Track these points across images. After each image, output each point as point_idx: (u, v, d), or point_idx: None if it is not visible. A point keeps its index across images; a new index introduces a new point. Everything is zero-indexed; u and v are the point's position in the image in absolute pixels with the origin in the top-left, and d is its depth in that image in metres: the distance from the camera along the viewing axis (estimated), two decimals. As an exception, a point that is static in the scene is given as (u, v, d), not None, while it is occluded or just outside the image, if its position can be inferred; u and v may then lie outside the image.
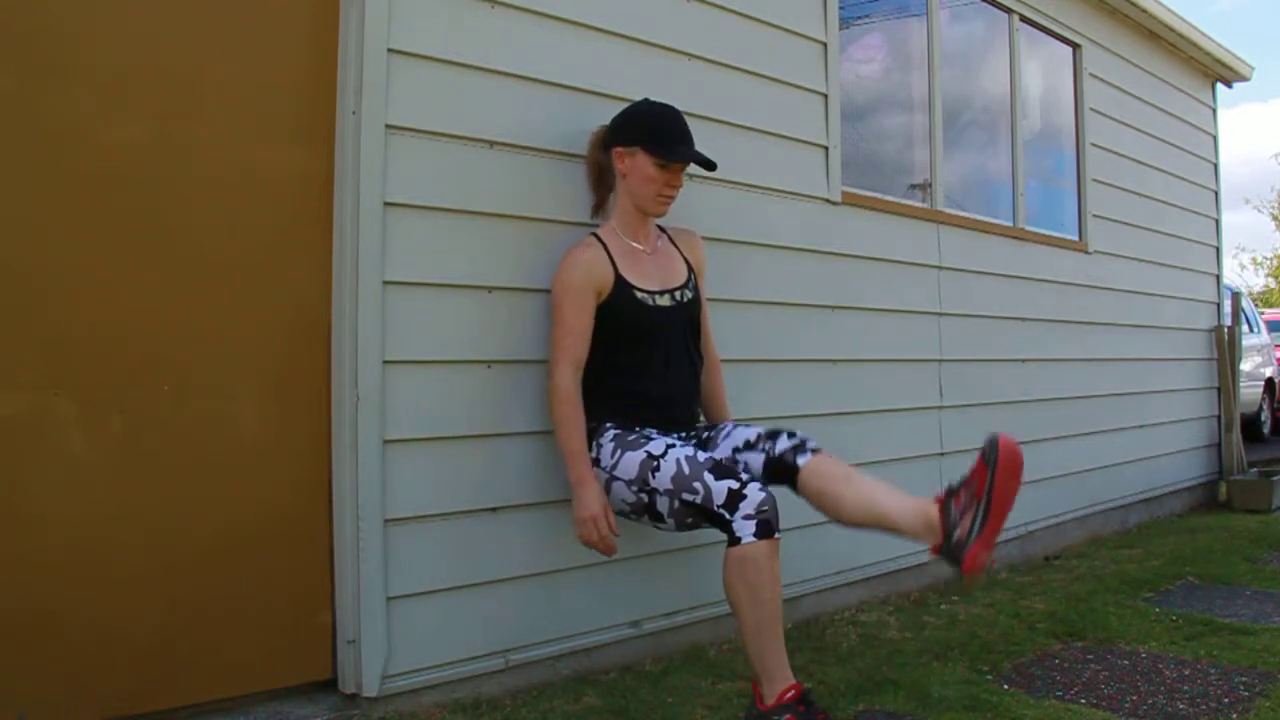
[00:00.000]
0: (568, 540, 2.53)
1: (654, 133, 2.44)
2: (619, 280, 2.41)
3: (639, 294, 2.42)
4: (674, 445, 2.29)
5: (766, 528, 2.10)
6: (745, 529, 2.10)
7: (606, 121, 2.53)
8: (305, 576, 2.23)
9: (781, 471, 2.33)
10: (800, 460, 2.31)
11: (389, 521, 2.23)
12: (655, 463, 2.26)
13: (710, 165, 2.49)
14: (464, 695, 2.34)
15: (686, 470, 2.21)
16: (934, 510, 2.08)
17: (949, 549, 1.98)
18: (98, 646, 1.97)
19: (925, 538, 2.10)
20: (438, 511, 2.31)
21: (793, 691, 2.11)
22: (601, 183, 2.55)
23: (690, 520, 2.24)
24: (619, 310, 2.41)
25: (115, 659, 1.99)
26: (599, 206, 2.58)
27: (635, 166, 2.45)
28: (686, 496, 2.20)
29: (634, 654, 2.69)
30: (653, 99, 2.52)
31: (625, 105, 2.55)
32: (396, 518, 2.24)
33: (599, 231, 2.49)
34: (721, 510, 2.14)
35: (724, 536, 2.16)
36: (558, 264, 2.42)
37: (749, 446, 2.39)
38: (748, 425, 2.45)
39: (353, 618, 2.19)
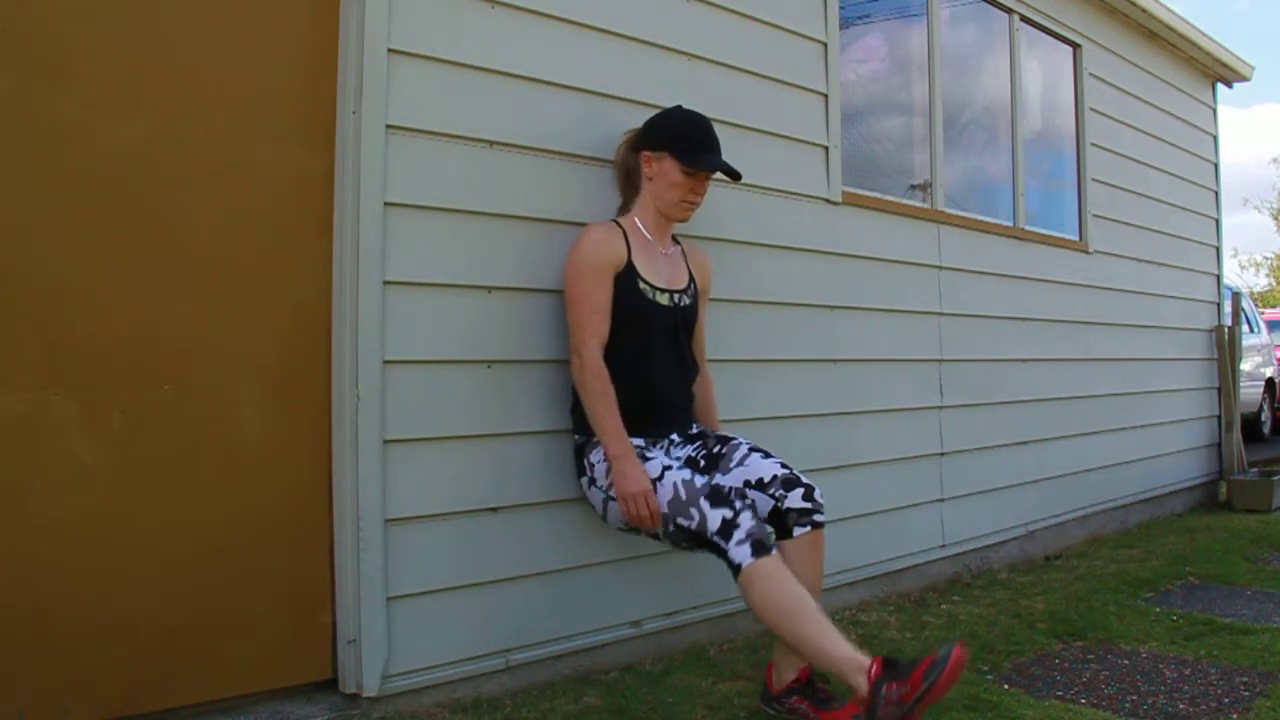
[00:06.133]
0: (568, 540, 2.54)
1: (683, 139, 2.45)
2: (629, 264, 2.42)
3: (642, 283, 2.42)
4: (670, 467, 2.26)
5: (760, 546, 2.08)
6: (741, 553, 2.07)
7: (604, 121, 2.53)
8: (306, 576, 2.23)
9: (778, 525, 2.30)
10: (797, 531, 2.28)
11: (389, 521, 2.23)
12: (651, 485, 2.25)
13: (735, 176, 2.51)
14: (464, 695, 2.34)
15: (683, 495, 2.19)
16: (864, 681, 1.92)
17: (869, 714, 1.94)
18: (98, 646, 1.96)
19: (855, 685, 1.96)
20: (438, 511, 2.31)
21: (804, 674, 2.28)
22: (629, 185, 2.56)
23: (685, 544, 2.22)
24: (620, 293, 2.40)
25: (115, 659, 1.99)
26: (625, 209, 2.57)
27: (662, 171, 2.46)
28: (681, 522, 2.18)
29: (634, 654, 2.69)
30: (684, 106, 2.53)
31: (625, 105, 2.55)
32: (397, 518, 2.24)
33: (619, 219, 2.50)
34: (716, 539, 2.11)
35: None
36: (574, 243, 2.40)
37: (762, 485, 2.31)
38: (766, 455, 2.36)
39: (353, 618, 2.19)
